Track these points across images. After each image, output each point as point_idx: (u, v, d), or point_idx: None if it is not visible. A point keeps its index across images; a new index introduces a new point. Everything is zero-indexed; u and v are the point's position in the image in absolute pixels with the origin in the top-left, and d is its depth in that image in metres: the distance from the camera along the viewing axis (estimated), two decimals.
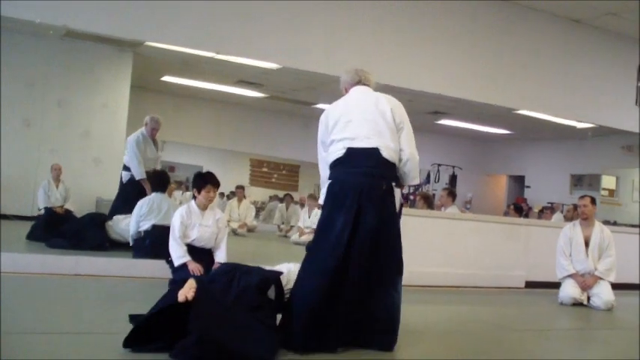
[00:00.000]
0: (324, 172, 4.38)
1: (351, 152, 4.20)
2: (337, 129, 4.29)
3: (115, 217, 7.78)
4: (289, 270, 4.37)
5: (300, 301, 4.00)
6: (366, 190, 4.12)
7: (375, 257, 4.08)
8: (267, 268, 4.43)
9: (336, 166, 4.24)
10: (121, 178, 8.23)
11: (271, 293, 4.12)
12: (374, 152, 4.22)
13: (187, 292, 3.66)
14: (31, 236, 7.87)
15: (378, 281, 4.09)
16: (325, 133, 4.38)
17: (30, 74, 9.90)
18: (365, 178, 4.16)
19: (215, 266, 6.16)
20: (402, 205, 4.40)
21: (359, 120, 4.32)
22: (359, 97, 4.53)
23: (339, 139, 4.26)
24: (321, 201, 4.36)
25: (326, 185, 4.30)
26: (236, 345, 3.46)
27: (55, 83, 10.08)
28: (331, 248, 4.03)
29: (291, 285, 4.24)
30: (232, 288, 4.00)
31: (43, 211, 8.99)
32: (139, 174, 7.97)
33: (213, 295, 3.80)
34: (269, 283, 4.11)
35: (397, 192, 4.29)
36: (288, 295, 4.19)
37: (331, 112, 4.42)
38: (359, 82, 4.64)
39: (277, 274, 4.20)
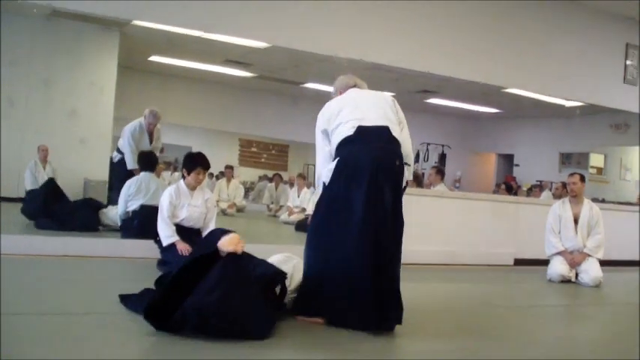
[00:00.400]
0: (323, 165, 4.32)
1: (361, 130, 4.17)
2: (344, 112, 4.27)
3: (109, 207, 7.79)
4: (293, 270, 4.36)
5: (337, 281, 4.03)
6: (382, 165, 4.09)
7: (392, 233, 4.10)
8: (270, 261, 4.43)
9: (345, 144, 4.18)
10: (111, 158, 8.26)
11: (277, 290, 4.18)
12: (385, 130, 4.23)
13: (237, 245, 3.64)
14: (26, 211, 7.85)
15: (391, 257, 4.11)
16: (328, 121, 4.33)
17: (14, 54, 9.79)
18: (380, 153, 4.13)
19: None
20: (406, 184, 4.38)
21: (367, 105, 4.35)
22: (360, 92, 4.57)
23: (346, 120, 4.23)
24: (324, 180, 4.24)
25: (331, 166, 4.19)
26: (242, 317, 3.47)
27: (40, 63, 9.96)
28: (355, 226, 4.01)
29: (293, 287, 4.26)
30: (248, 271, 4.00)
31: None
32: (130, 164, 8.16)
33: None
34: (280, 279, 4.14)
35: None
36: (291, 297, 4.24)
37: (334, 103, 4.42)
38: (354, 86, 4.65)
39: (284, 275, 4.19)
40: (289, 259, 4.53)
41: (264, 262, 4.23)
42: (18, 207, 8.25)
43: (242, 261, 3.86)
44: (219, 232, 3.92)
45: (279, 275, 4.13)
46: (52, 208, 7.73)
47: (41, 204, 7.86)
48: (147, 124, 8.37)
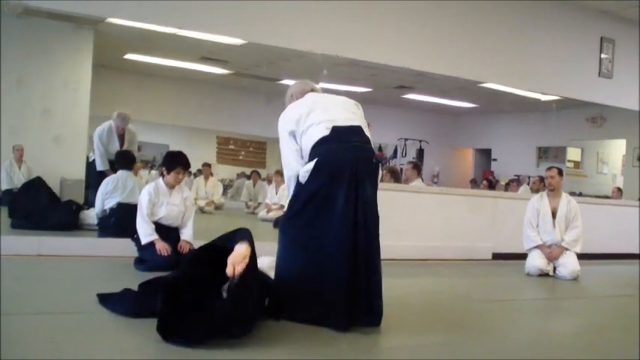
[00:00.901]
0: (296, 164, 4.24)
1: (336, 129, 4.16)
2: (314, 114, 4.23)
3: (90, 208, 7.76)
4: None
5: (316, 278, 4.03)
6: (361, 163, 4.12)
7: (372, 229, 4.12)
8: (262, 264, 4.38)
9: (322, 144, 4.14)
10: (87, 158, 8.25)
11: None
12: (359, 129, 4.27)
13: (238, 264, 3.49)
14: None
15: (372, 253, 4.12)
16: (297, 122, 4.26)
17: None
18: (359, 151, 4.15)
19: (182, 245, 6.13)
20: (380, 180, 4.39)
21: (335, 106, 4.37)
22: (323, 95, 4.56)
23: (318, 121, 4.20)
24: (300, 179, 4.19)
25: (309, 167, 4.12)
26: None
27: (13, 62, 9.85)
28: (335, 223, 4.01)
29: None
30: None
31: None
32: (100, 165, 8.25)
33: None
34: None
35: None
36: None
37: (301, 105, 4.36)
38: (312, 91, 4.63)
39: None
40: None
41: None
42: None
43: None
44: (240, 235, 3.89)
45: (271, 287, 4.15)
46: (32, 207, 7.67)
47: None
48: (115, 127, 8.36)
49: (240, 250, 3.42)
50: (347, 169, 4.05)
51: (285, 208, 4.42)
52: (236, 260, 3.42)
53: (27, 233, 6.69)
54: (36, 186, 8.33)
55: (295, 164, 4.25)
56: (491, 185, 13.55)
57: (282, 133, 4.34)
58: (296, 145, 4.27)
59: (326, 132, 4.15)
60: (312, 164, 4.11)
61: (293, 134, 4.28)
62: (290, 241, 4.24)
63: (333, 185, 4.06)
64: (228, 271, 3.46)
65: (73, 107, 10.18)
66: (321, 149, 4.13)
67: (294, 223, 4.23)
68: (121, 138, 8.47)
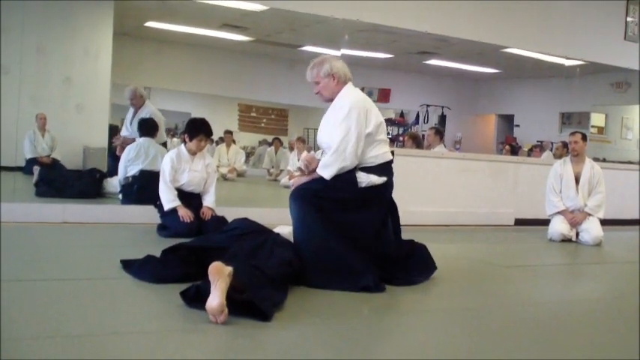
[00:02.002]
0: (356, 159, 4.34)
1: (391, 161, 4.57)
2: (382, 132, 4.50)
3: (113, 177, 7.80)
4: None
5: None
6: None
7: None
8: (283, 232, 4.46)
9: (386, 168, 4.48)
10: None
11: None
12: None
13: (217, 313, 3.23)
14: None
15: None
16: (377, 128, 4.44)
17: (6, 19, 9.69)
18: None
19: (205, 212, 6.16)
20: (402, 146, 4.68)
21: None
22: (369, 100, 4.65)
23: (385, 141, 4.54)
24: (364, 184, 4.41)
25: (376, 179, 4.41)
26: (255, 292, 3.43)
27: (33, 29, 9.87)
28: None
29: None
30: (264, 250, 4.04)
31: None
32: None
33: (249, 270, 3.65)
34: (296, 263, 4.13)
35: None
36: None
37: (377, 114, 4.52)
38: (350, 80, 4.63)
39: (295, 258, 4.18)
40: None
41: (281, 241, 4.29)
42: (17, 176, 8.23)
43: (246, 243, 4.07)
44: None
45: (295, 262, 4.13)
46: (51, 177, 7.73)
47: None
48: (130, 104, 8.31)
49: (212, 305, 3.23)
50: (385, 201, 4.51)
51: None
52: (214, 313, 3.23)
53: (52, 201, 6.75)
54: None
55: (356, 159, 4.33)
56: (514, 150, 13.45)
57: (360, 128, 4.34)
58: (360, 141, 4.35)
59: (390, 157, 4.52)
60: (381, 180, 4.41)
61: (367, 135, 4.37)
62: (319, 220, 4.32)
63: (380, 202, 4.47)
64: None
65: (95, 75, 10.20)
66: (385, 173, 4.46)
67: (330, 208, 4.35)
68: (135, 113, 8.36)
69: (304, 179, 4.53)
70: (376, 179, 4.39)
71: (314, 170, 4.44)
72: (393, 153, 4.66)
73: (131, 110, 8.23)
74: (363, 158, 4.37)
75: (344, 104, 4.41)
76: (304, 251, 4.21)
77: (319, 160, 4.45)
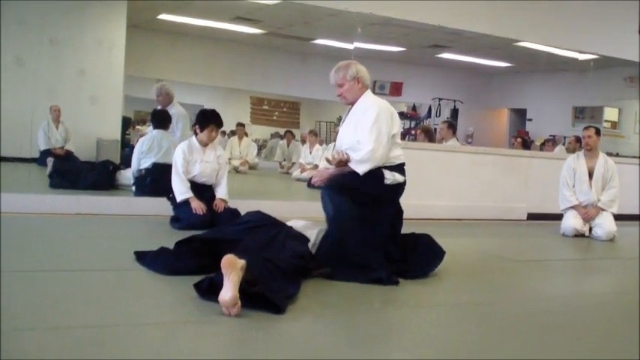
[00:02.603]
0: (383, 158, 4.54)
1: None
2: (397, 134, 4.69)
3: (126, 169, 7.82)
4: (316, 237, 4.44)
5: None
6: None
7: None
8: (296, 225, 4.50)
9: (403, 169, 4.69)
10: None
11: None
12: None
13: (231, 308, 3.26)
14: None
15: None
16: (399, 130, 4.71)
17: (21, 12, 9.74)
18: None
19: (218, 203, 6.18)
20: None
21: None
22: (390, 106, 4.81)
23: (399, 142, 4.72)
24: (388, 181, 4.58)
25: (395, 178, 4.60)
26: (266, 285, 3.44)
27: (47, 21, 9.92)
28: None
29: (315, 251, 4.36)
30: (277, 243, 4.05)
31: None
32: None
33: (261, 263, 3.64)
34: (309, 257, 4.18)
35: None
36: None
37: (397, 118, 4.75)
38: (369, 88, 4.82)
39: (308, 251, 4.23)
40: (314, 225, 4.59)
41: (294, 233, 4.31)
42: (31, 167, 8.28)
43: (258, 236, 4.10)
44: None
45: (308, 255, 4.19)
46: (65, 168, 7.77)
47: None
48: (156, 101, 8.15)
49: (225, 298, 3.35)
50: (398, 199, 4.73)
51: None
52: (227, 305, 3.26)
53: (66, 192, 6.78)
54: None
55: (385, 158, 4.55)
56: (526, 144, 13.41)
57: (388, 130, 4.56)
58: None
59: (403, 159, 4.71)
60: (401, 179, 4.63)
61: (393, 136, 4.60)
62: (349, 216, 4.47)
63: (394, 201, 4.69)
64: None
65: (108, 68, 10.24)
66: (400, 172, 4.65)
67: (359, 204, 4.49)
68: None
69: (330, 170, 4.71)
70: (400, 177, 4.62)
71: (343, 164, 4.57)
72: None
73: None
74: (387, 158, 4.57)
75: (371, 108, 4.61)
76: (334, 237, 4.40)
77: (348, 156, 4.57)
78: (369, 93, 4.76)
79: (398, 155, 4.66)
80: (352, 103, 4.74)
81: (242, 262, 3.30)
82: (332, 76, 4.75)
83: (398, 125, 4.68)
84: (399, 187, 4.67)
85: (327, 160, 4.80)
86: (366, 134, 4.51)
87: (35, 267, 4.01)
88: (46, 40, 9.85)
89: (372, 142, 4.46)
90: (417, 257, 4.57)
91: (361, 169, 4.49)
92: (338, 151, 4.66)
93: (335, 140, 5.09)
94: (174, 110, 7.82)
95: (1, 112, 9.18)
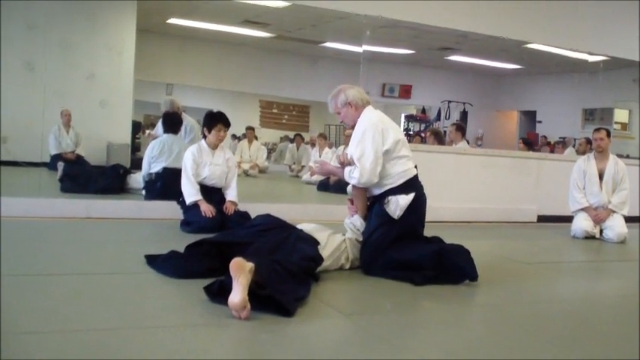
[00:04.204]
0: (375, 177, 4.56)
1: (417, 175, 4.77)
2: (405, 147, 4.71)
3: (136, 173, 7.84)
4: (327, 239, 4.49)
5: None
6: None
7: None
8: (306, 228, 4.53)
9: (411, 185, 4.68)
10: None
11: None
12: None
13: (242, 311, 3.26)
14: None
15: None
16: (395, 144, 4.64)
17: (31, 16, 9.77)
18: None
19: (228, 206, 6.19)
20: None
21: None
22: (390, 121, 4.88)
23: (408, 156, 4.73)
24: (398, 213, 4.61)
25: (407, 201, 4.62)
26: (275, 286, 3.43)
27: (58, 25, 9.95)
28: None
29: (327, 253, 4.39)
30: (287, 245, 4.06)
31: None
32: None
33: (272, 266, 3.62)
34: (319, 259, 4.21)
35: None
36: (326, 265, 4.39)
37: (395, 129, 4.78)
38: (368, 104, 4.85)
39: (318, 254, 4.26)
40: (324, 228, 4.63)
41: (305, 236, 4.33)
42: (42, 171, 8.31)
43: (269, 237, 4.14)
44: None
45: (319, 257, 4.23)
46: (75, 173, 7.79)
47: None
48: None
49: (234, 301, 3.30)
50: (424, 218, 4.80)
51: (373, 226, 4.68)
52: (236, 309, 3.27)
53: (76, 197, 6.81)
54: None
55: (374, 176, 4.56)
56: (531, 146, 13.36)
57: (376, 147, 4.57)
58: (382, 163, 4.58)
59: (415, 171, 4.74)
60: (410, 198, 4.61)
61: (385, 152, 4.59)
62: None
63: (417, 226, 4.74)
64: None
65: (118, 72, 10.26)
66: (413, 188, 4.67)
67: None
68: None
69: (330, 166, 5.19)
70: (404, 200, 4.61)
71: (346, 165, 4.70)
72: (415, 167, 4.80)
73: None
74: (384, 175, 4.61)
75: (359, 127, 4.68)
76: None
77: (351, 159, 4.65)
78: (366, 111, 4.79)
79: (399, 172, 4.67)
80: (353, 126, 4.81)
81: (250, 265, 3.30)
82: (329, 106, 4.92)
83: (393, 139, 4.64)
84: (417, 203, 4.67)
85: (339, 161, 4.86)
86: (353, 151, 4.60)
87: (46, 270, 4.03)
88: (57, 45, 9.88)
89: (356, 161, 4.57)
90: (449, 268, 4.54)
91: (350, 181, 4.68)
92: (344, 153, 4.74)
93: (345, 144, 5.15)
94: (185, 122, 7.91)
95: (0, 115, 9.21)
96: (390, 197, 4.61)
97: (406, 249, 4.53)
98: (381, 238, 4.58)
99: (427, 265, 4.44)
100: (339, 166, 4.84)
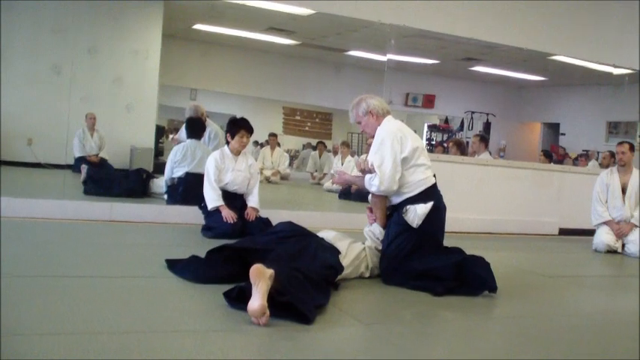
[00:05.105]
0: (395, 184, 4.59)
1: (435, 184, 4.80)
2: (423, 155, 4.74)
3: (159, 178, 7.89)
4: (348, 248, 4.51)
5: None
6: None
7: None
8: (327, 237, 4.57)
9: (430, 193, 4.69)
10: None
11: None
12: None
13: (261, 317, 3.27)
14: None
15: None
16: (413, 152, 4.67)
17: (58, 20, 9.87)
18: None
19: (249, 212, 6.22)
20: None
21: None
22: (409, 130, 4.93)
23: (427, 165, 4.75)
24: (417, 222, 4.61)
25: (426, 209, 4.63)
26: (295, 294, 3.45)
27: (84, 29, 10.04)
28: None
29: (346, 262, 4.39)
30: (308, 253, 4.08)
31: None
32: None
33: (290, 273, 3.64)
34: (339, 268, 4.22)
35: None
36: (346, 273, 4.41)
37: (414, 138, 4.78)
38: (389, 113, 4.89)
39: (338, 262, 4.27)
40: (345, 237, 4.65)
41: (325, 245, 4.37)
42: (66, 174, 8.39)
43: (288, 246, 4.16)
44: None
45: (339, 266, 4.23)
46: (99, 175, 7.86)
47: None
48: None
49: (253, 307, 3.27)
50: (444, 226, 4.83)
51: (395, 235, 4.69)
52: (256, 315, 3.28)
53: (99, 199, 6.87)
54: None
55: (394, 183, 4.58)
56: (551, 158, 13.28)
57: (395, 154, 4.61)
58: (401, 171, 4.61)
59: (434, 180, 4.76)
60: (429, 206, 4.61)
61: (403, 160, 4.62)
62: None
63: (437, 230, 4.76)
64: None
65: (143, 76, 10.33)
66: (433, 196, 4.69)
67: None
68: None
69: (348, 176, 5.16)
70: (422, 209, 4.61)
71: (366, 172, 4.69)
72: (434, 176, 4.83)
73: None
74: (402, 183, 4.63)
75: (379, 135, 4.73)
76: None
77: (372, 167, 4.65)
78: (386, 121, 4.83)
79: (417, 181, 4.69)
80: (374, 136, 4.84)
81: (270, 272, 3.32)
82: (350, 115, 4.95)
83: (412, 146, 4.67)
84: (434, 212, 4.66)
85: (361, 169, 4.85)
86: (372, 160, 4.64)
87: (67, 272, 4.07)
88: (83, 49, 9.97)
89: (376, 169, 4.59)
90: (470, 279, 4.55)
91: (370, 189, 4.71)
92: (365, 161, 4.75)
93: (366, 153, 5.14)
94: (209, 129, 7.95)
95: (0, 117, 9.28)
96: (408, 206, 4.63)
97: (427, 259, 4.54)
98: (400, 247, 4.59)
99: (448, 276, 4.44)
100: (359, 175, 4.85)
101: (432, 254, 4.60)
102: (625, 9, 9.60)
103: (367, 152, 4.93)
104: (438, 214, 4.70)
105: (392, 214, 4.77)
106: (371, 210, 4.86)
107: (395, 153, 4.58)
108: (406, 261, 4.54)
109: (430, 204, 4.63)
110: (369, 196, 4.87)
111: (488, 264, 4.59)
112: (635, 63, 10.03)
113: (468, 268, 4.52)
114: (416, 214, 4.59)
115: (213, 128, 8.15)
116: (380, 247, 4.70)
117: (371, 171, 4.63)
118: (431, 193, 4.71)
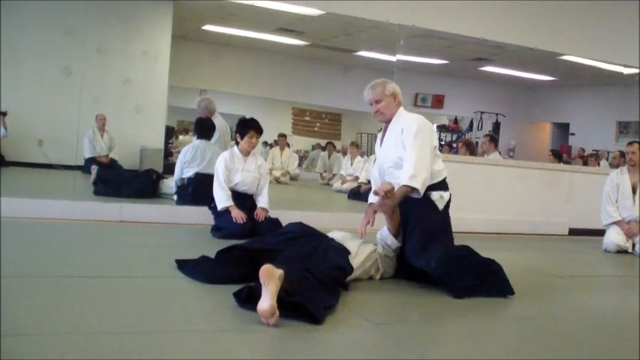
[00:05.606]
0: (428, 173, 4.54)
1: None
2: (437, 147, 4.75)
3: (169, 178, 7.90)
4: (358, 249, 4.50)
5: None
6: None
7: None
8: (336, 237, 4.56)
9: (446, 185, 4.75)
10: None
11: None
12: None
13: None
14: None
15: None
16: (432, 138, 4.68)
17: (68, 21, 9.90)
18: None
19: (259, 213, 6.23)
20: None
21: None
22: None
23: (439, 155, 4.80)
24: (441, 205, 4.68)
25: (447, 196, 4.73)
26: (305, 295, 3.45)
27: (94, 30, 10.07)
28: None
29: (356, 263, 4.36)
30: (317, 254, 4.08)
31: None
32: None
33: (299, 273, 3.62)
34: (350, 269, 4.20)
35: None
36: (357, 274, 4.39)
37: (435, 132, 5.02)
38: (402, 105, 4.87)
39: (348, 263, 4.24)
40: (354, 237, 4.63)
41: (335, 246, 4.34)
42: (76, 174, 8.42)
43: (299, 246, 4.19)
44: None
45: (349, 268, 4.20)
46: (108, 176, 7.89)
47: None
48: (200, 114, 8.23)
49: (263, 307, 3.24)
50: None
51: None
52: (265, 315, 3.26)
53: (109, 200, 6.89)
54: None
55: (430, 171, 4.55)
56: (560, 157, 13.25)
57: (429, 142, 4.61)
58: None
59: (446, 173, 4.79)
60: (448, 195, 4.74)
61: (434, 148, 4.67)
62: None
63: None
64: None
65: (153, 77, 10.36)
66: (446, 186, 4.77)
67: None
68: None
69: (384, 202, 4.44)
70: (446, 195, 4.71)
71: (390, 192, 4.33)
72: None
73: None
74: (432, 172, 4.61)
75: (410, 124, 4.62)
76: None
77: (391, 185, 4.36)
78: (403, 110, 4.79)
79: (440, 170, 4.71)
80: (388, 121, 4.77)
81: (280, 272, 3.33)
82: (367, 93, 4.77)
83: (436, 138, 4.75)
84: (449, 203, 4.76)
85: (375, 193, 4.48)
86: (409, 149, 4.52)
87: (77, 273, 4.09)
88: (94, 50, 10.00)
89: (416, 156, 4.47)
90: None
91: (416, 183, 4.42)
92: (382, 182, 4.50)
93: (375, 158, 5.10)
94: (216, 121, 7.90)
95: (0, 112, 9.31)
96: (431, 192, 4.62)
97: (457, 249, 4.60)
98: (431, 223, 4.61)
99: (472, 272, 4.43)
100: (392, 186, 4.39)
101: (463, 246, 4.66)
102: (635, 9, 9.56)
103: (374, 152, 4.91)
104: (449, 207, 4.76)
105: (407, 211, 4.63)
106: (374, 211, 4.63)
107: (430, 141, 4.60)
108: (437, 241, 4.51)
109: (448, 193, 4.73)
110: (371, 196, 4.75)
111: (500, 267, 4.59)
112: None
113: (491, 269, 4.55)
114: (441, 198, 4.65)
115: (218, 123, 8.08)
116: (391, 255, 4.66)
117: (390, 192, 4.33)
118: (446, 185, 4.76)
